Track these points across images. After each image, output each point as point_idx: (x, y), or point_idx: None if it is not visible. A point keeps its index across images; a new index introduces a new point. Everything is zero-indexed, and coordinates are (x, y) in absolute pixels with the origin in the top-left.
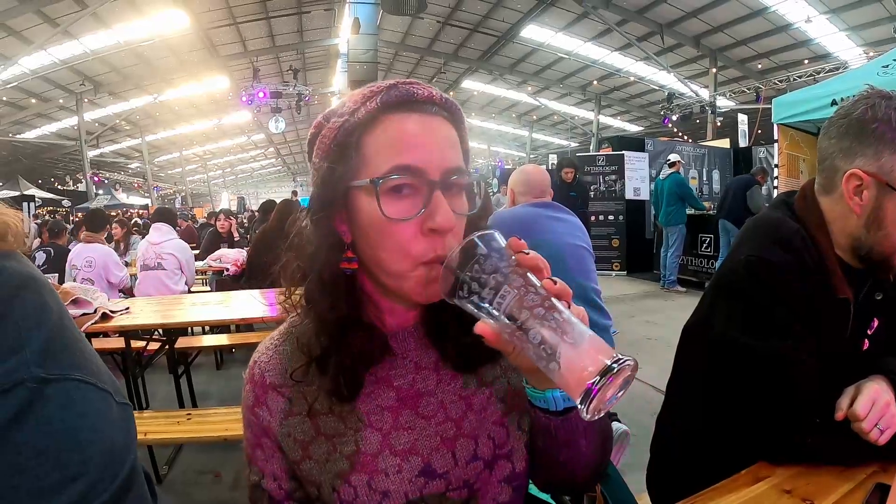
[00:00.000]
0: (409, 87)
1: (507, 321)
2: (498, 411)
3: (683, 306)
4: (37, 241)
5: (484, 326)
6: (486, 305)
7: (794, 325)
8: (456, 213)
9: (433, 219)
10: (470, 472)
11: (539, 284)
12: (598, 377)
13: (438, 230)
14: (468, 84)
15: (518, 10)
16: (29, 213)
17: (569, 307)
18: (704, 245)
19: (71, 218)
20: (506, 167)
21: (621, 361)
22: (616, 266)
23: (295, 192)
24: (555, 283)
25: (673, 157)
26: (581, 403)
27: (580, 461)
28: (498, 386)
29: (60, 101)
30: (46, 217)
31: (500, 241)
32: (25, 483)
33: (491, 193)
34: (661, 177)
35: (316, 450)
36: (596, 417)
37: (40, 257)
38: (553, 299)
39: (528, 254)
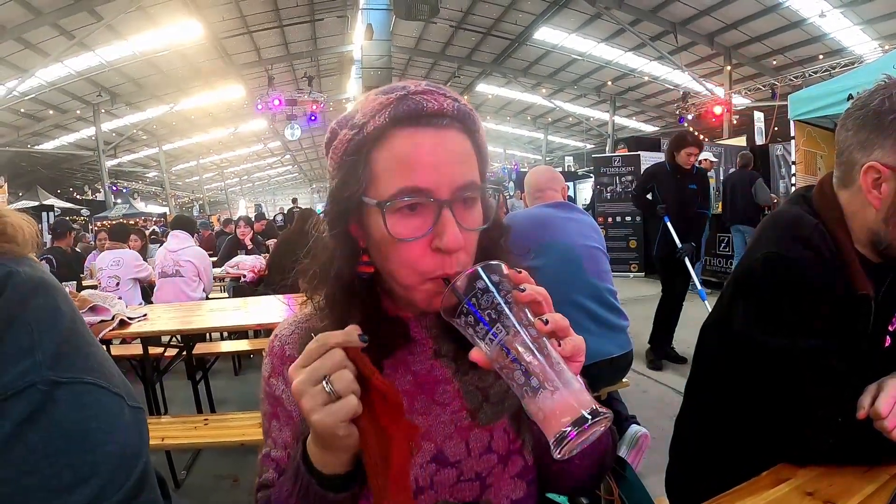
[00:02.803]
0: (420, 98)
1: (499, 354)
2: (515, 404)
3: (703, 307)
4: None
5: (478, 355)
6: (480, 339)
7: (814, 323)
8: (466, 229)
9: (441, 239)
10: (483, 465)
11: (533, 321)
12: (571, 427)
13: (446, 250)
14: (482, 87)
15: (530, 12)
16: (48, 222)
17: (559, 344)
18: (723, 245)
19: (90, 227)
20: (521, 170)
21: (598, 415)
22: (634, 267)
23: (295, 200)
24: (546, 322)
25: (703, 156)
26: (554, 446)
27: (570, 479)
28: None
29: (78, 111)
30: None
31: (504, 273)
32: (37, 483)
33: (507, 197)
34: None
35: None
36: (566, 457)
37: (44, 267)
38: (544, 339)
39: (524, 290)
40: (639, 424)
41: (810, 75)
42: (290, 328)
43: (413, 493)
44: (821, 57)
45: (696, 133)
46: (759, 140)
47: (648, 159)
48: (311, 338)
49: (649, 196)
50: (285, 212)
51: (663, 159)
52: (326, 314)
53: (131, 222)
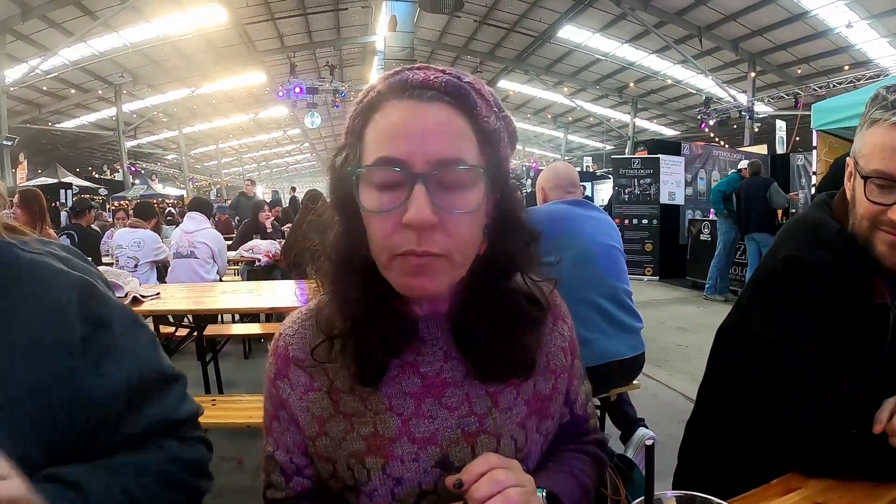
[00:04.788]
0: (410, 71)
1: None
2: (521, 413)
3: (716, 313)
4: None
5: None
6: None
7: (832, 330)
8: (444, 210)
9: (406, 213)
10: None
11: None
12: None
13: (410, 226)
14: (504, 84)
15: (555, 10)
16: (67, 200)
17: None
18: (739, 252)
19: (107, 206)
20: (540, 168)
21: None
22: (648, 271)
23: (294, 189)
24: None
25: (742, 164)
26: None
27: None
28: (525, 387)
29: (100, 91)
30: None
31: None
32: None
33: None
34: None
35: (333, 427)
36: None
37: (64, 241)
38: None
39: None
40: (647, 428)
41: (834, 86)
42: (294, 327)
43: (417, 498)
44: (846, 68)
45: (717, 140)
46: (781, 149)
47: (668, 163)
48: (312, 337)
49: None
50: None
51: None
52: (330, 297)
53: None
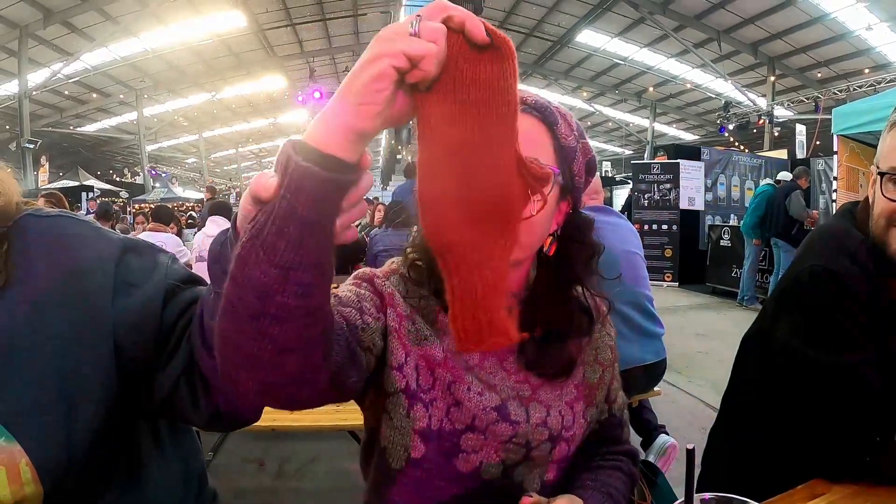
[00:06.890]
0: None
1: None
2: (570, 394)
3: (736, 320)
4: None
5: None
6: None
7: (856, 338)
8: None
9: None
10: (535, 437)
11: None
12: None
13: None
14: (522, 88)
15: (573, 14)
16: (87, 202)
17: None
18: (761, 259)
19: (128, 209)
20: None
21: None
22: (668, 277)
23: None
24: None
25: (780, 175)
26: None
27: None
28: (575, 373)
29: (121, 96)
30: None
31: None
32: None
33: None
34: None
35: (416, 330)
36: None
37: None
38: None
39: None
40: (668, 434)
41: (855, 89)
42: (386, 272)
43: (466, 428)
44: (866, 71)
45: (737, 144)
46: (801, 153)
47: (688, 168)
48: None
49: None
50: None
51: None
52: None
53: (170, 206)
